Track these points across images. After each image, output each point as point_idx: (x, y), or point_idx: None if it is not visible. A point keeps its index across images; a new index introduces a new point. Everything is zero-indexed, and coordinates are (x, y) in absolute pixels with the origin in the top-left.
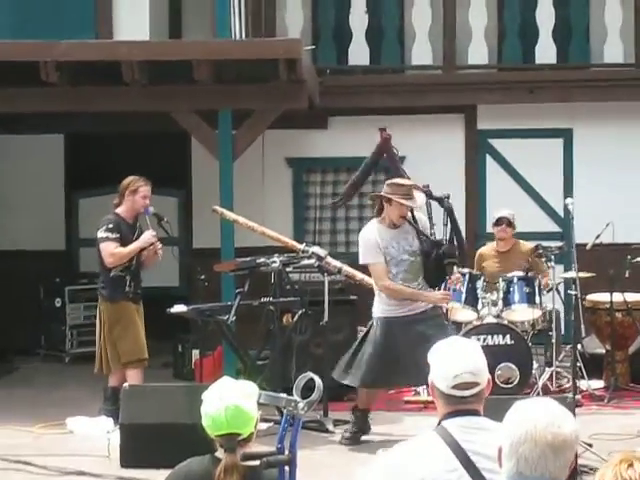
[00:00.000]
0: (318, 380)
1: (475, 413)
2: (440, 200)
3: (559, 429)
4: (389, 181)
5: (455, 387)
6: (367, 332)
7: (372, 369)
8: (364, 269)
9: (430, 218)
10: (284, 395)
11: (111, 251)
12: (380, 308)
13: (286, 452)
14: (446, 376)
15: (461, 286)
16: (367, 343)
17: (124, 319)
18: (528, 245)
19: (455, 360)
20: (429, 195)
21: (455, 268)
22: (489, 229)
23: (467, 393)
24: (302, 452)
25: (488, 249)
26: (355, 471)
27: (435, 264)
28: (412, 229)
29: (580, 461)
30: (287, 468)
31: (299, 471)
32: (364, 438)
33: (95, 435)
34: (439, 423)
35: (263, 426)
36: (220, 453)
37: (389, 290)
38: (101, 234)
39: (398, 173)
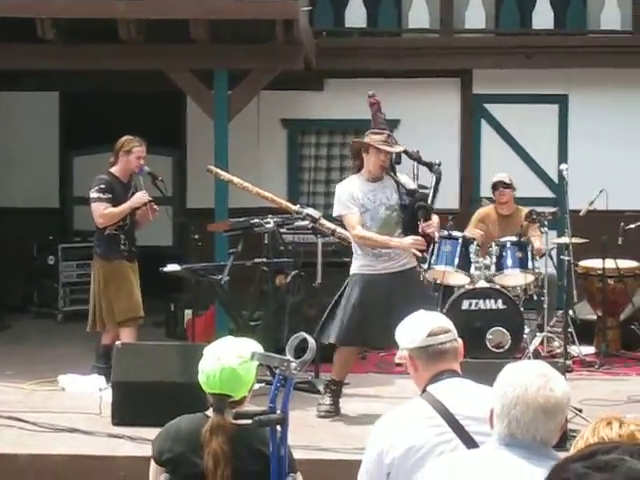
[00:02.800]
0: (311, 340)
1: (456, 374)
2: (430, 165)
3: (551, 392)
4: (369, 130)
5: (430, 335)
6: (343, 290)
7: (346, 327)
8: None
9: (416, 181)
10: (277, 355)
11: (101, 212)
12: (356, 265)
13: (278, 412)
14: (418, 331)
15: (434, 231)
16: (342, 300)
17: (119, 277)
18: (526, 210)
19: (423, 320)
20: (418, 160)
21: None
22: (483, 193)
23: (444, 337)
24: (293, 413)
25: (490, 210)
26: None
27: (410, 213)
28: (392, 183)
29: (569, 426)
30: (279, 427)
31: (290, 430)
32: (350, 401)
33: (87, 392)
34: (424, 390)
35: (255, 386)
36: (211, 412)
37: (361, 238)
38: (93, 194)
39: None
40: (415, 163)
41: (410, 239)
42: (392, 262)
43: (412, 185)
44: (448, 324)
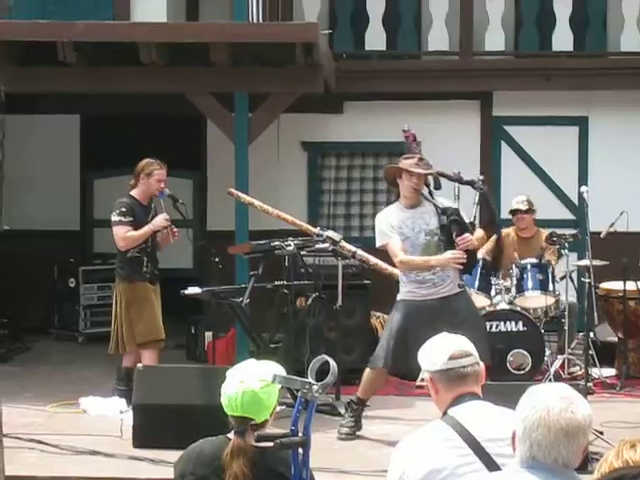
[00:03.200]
0: (333, 363)
1: (477, 397)
2: (472, 183)
3: (572, 414)
4: (401, 157)
5: (451, 358)
6: (391, 315)
7: (385, 350)
8: (378, 253)
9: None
10: (299, 378)
11: (122, 235)
12: (401, 291)
13: (300, 434)
14: (439, 354)
15: (472, 243)
16: (387, 326)
17: (141, 299)
18: (546, 233)
19: (445, 343)
20: (459, 180)
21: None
22: (504, 215)
23: (465, 361)
24: (314, 435)
25: (510, 232)
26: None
27: (447, 231)
28: (431, 208)
29: (591, 448)
30: (300, 450)
31: (312, 454)
32: (371, 424)
33: (108, 415)
34: (444, 413)
35: (277, 409)
36: (232, 435)
37: (402, 263)
38: (114, 217)
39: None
40: (456, 184)
41: (449, 253)
42: (436, 289)
43: (447, 204)
44: (470, 347)
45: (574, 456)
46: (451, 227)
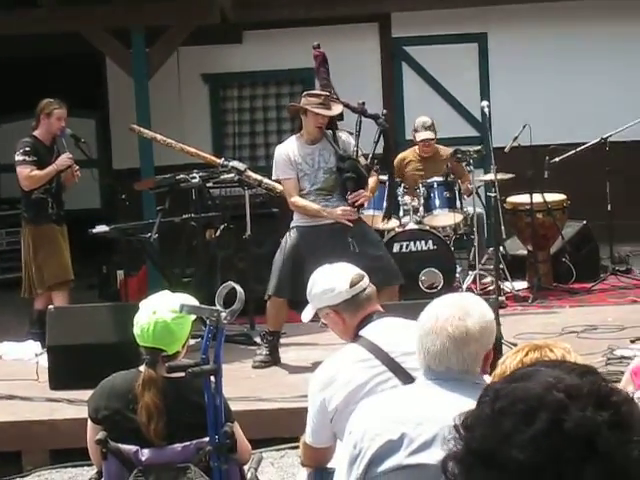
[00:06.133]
0: (240, 289)
1: (382, 314)
2: (375, 117)
3: (460, 321)
4: (305, 92)
5: (352, 285)
6: (282, 242)
7: (279, 278)
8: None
9: (358, 135)
10: (207, 306)
11: (27, 174)
12: (294, 217)
13: (211, 362)
14: (339, 285)
15: (363, 201)
16: (278, 252)
17: (48, 242)
18: (448, 150)
19: (336, 274)
20: (362, 113)
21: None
22: (408, 136)
23: (364, 283)
24: (230, 365)
25: (410, 154)
26: (283, 380)
27: (342, 180)
28: (330, 146)
29: None
30: (213, 378)
31: (228, 383)
32: (287, 350)
33: (23, 359)
34: (356, 336)
35: (191, 342)
36: (144, 367)
37: (295, 206)
38: (18, 157)
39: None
40: (358, 116)
41: (339, 210)
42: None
43: (350, 145)
44: (358, 269)
45: (469, 363)
46: (346, 183)
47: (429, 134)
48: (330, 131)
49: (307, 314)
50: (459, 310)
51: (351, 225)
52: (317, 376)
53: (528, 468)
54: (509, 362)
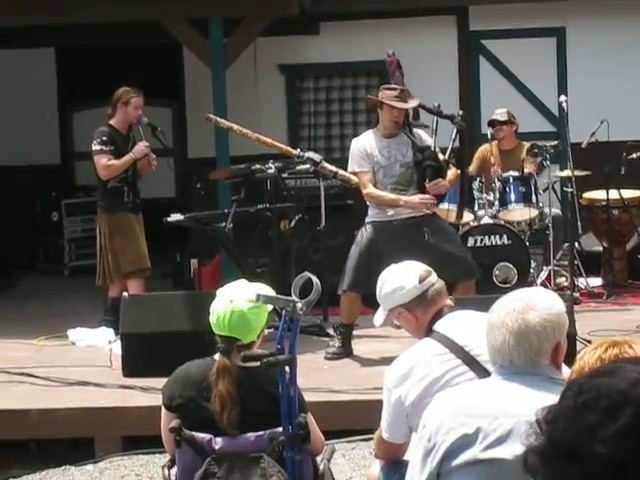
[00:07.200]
0: (316, 280)
1: (453, 307)
2: (451, 118)
3: (519, 314)
4: (383, 86)
5: (421, 281)
6: (357, 237)
7: (354, 273)
8: None
9: (435, 135)
10: (283, 296)
11: (104, 163)
12: (369, 213)
13: (286, 353)
14: (408, 283)
15: (442, 191)
16: (354, 247)
17: (124, 230)
18: (528, 145)
19: (403, 272)
20: (438, 114)
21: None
22: (484, 130)
23: (433, 278)
24: (303, 357)
25: (490, 147)
26: (355, 372)
27: (420, 171)
28: (407, 140)
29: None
30: (287, 368)
31: (301, 374)
32: (359, 342)
33: (97, 345)
34: (430, 330)
35: (265, 332)
36: (218, 355)
37: (370, 197)
38: (95, 147)
39: None
40: (435, 117)
41: (417, 198)
42: (399, 209)
43: (427, 142)
44: (425, 265)
45: (532, 357)
46: (425, 172)
47: (499, 115)
48: (407, 124)
49: (379, 318)
50: (521, 304)
51: (429, 213)
52: (392, 372)
53: (611, 463)
54: (587, 358)
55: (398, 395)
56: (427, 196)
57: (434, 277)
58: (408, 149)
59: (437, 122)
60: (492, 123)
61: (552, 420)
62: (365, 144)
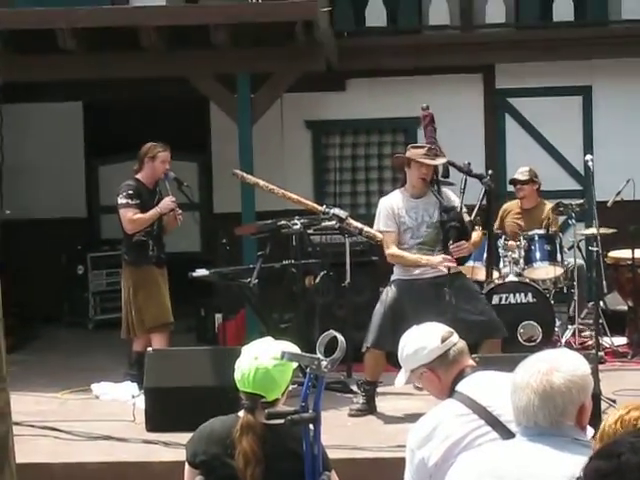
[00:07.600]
0: (341, 338)
1: (475, 368)
2: (480, 177)
3: (544, 376)
4: (410, 145)
5: (443, 340)
6: (382, 295)
7: (379, 330)
8: None
9: (462, 193)
10: (307, 354)
11: (130, 217)
12: (394, 271)
13: (310, 410)
14: (430, 343)
15: (464, 253)
16: (379, 305)
17: (148, 284)
18: (550, 204)
19: (425, 333)
20: (467, 172)
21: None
22: (510, 188)
23: (455, 338)
24: (326, 413)
25: (512, 206)
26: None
27: (445, 231)
28: (435, 200)
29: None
30: (311, 426)
31: (324, 430)
32: (383, 399)
33: (120, 400)
34: (452, 391)
35: (289, 388)
36: (242, 412)
37: (392, 257)
38: (121, 200)
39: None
40: (464, 175)
41: (439, 258)
42: (423, 269)
43: (454, 202)
44: (446, 326)
45: (556, 418)
46: (449, 233)
47: (520, 175)
48: (436, 181)
49: (400, 379)
50: (546, 365)
51: (448, 270)
52: (415, 433)
53: None
54: (608, 419)
55: (421, 456)
56: (448, 257)
57: (455, 337)
58: (435, 209)
59: (466, 180)
60: (514, 182)
61: (601, 476)
62: (393, 204)
